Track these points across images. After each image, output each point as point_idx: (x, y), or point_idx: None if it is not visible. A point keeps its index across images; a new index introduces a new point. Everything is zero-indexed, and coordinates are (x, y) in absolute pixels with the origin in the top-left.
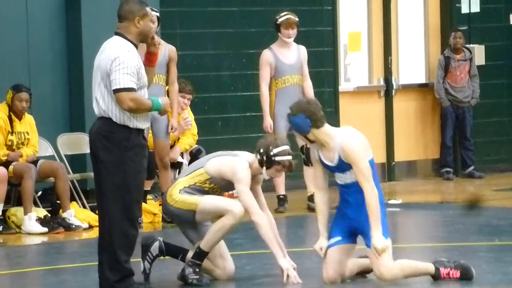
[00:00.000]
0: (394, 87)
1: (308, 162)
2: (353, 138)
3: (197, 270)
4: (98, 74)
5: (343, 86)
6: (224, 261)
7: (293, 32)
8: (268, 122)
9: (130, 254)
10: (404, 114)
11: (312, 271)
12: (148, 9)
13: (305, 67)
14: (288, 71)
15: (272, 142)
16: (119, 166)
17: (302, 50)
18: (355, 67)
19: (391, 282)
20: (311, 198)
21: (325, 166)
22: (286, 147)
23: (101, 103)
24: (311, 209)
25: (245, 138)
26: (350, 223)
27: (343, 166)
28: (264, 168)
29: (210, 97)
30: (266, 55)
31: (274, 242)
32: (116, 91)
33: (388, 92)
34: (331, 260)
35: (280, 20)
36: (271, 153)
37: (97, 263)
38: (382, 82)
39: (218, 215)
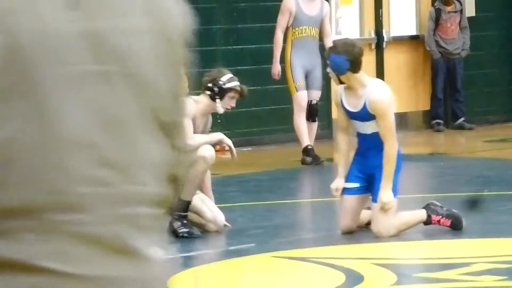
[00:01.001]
0: (385, 39)
1: (313, 117)
2: (384, 91)
3: (185, 222)
4: None
5: (334, 38)
6: (213, 213)
7: None
8: (276, 69)
9: None
10: (395, 67)
11: (303, 223)
12: None
13: (327, 24)
14: (307, 21)
15: (216, 73)
16: None
17: (326, 6)
18: (346, 20)
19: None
20: (305, 151)
21: (346, 111)
22: (231, 75)
23: None
24: (305, 163)
25: None
26: (366, 169)
27: (366, 115)
28: (218, 100)
29: (202, 51)
30: (289, 2)
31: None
32: None
33: (379, 45)
34: (348, 209)
35: None
36: (220, 82)
37: None
38: (373, 35)
39: None
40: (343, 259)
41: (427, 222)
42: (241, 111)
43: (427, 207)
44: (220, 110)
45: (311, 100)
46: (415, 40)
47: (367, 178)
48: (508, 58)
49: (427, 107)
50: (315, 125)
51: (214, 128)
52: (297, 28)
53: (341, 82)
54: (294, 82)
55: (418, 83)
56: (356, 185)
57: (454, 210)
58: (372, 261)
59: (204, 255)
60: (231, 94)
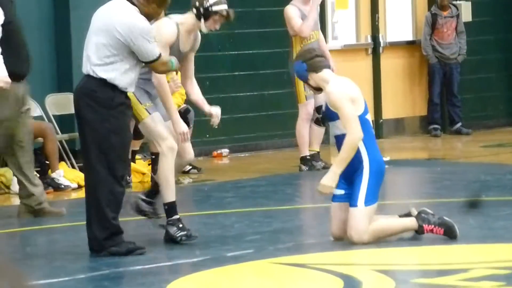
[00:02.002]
0: (382, 44)
1: (323, 122)
2: (341, 86)
3: (180, 225)
4: (100, 34)
5: (330, 44)
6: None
7: None
8: None
9: (117, 211)
10: (391, 72)
11: (301, 229)
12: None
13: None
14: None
15: None
16: (103, 123)
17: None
18: (343, 25)
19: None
20: (303, 159)
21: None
22: None
23: (96, 63)
24: (301, 171)
25: (233, 97)
26: (346, 174)
27: (331, 113)
28: (202, 20)
29: (199, 56)
30: (294, 10)
31: (170, 99)
32: (151, 62)
33: (375, 50)
34: (335, 217)
35: None
36: (207, 4)
37: (85, 222)
38: (369, 40)
39: (151, 139)
40: (342, 265)
41: (420, 231)
42: (237, 116)
43: (418, 215)
44: (204, 29)
45: (321, 105)
46: (411, 45)
47: (350, 184)
48: (505, 63)
49: (423, 112)
50: (323, 129)
51: (211, 133)
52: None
53: (315, 89)
54: (304, 90)
55: (415, 88)
56: (342, 192)
57: (446, 218)
58: (371, 267)
59: (203, 262)
60: (216, 17)
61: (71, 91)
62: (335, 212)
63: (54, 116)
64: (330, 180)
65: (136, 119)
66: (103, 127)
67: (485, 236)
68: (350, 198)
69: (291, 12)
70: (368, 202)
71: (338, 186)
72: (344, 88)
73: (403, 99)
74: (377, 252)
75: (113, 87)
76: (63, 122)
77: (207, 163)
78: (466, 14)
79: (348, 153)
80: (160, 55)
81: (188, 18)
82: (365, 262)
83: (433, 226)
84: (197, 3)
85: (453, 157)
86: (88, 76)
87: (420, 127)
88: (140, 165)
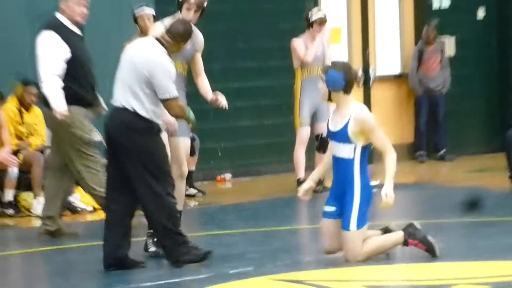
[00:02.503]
0: (372, 78)
1: (324, 149)
2: (366, 110)
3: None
4: (131, 70)
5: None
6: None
7: (323, 28)
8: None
9: (178, 222)
10: (381, 102)
11: (298, 248)
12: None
13: (327, 51)
14: (314, 61)
15: None
16: (144, 150)
17: (326, 41)
18: (336, 59)
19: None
20: (299, 183)
21: (327, 131)
22: None
23: (130, 97)
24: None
25: (235, 126)
26: (338, 194)
27: (343, 135)
28: (179, 12)
29: None
30: (300, 42)
31: None
32: (167, 99)
33: (366, 82)
34: (326, 232)
35: (314, 18)
36: None
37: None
38: (361, 73)
39: None
40: (336, 281)
41: (405, 243)
42: (239, 144)
43: (406, 229)
44: (187, 17)
45: (321, 133)
46: (399, 78)
47: (339, 203)
48: (486, 94)
49: (411, 139)
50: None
51: (214, 159)
52: (306, 68)
53: (329, 99)
54: (300, 117)
55: (403, 117)
56: (333, 209)
57: (429, 238)
58: (363, 283)
59: (207, 278)
60: (186, 5)
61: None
62: (327, 228)
63: None
64: (390, 189)
65: None
66: (145, 152)
67: (468, 254)
68: (342, 220)
69: (297, 43)
70: (360, 225)
71: (329, 203)
72: (371, 115)
73: (392, 127)
74: (368, 269)
75: (145, 118)
76: None
77: (211, 187)
78: (450, 49)
79: (395, 167)
80: (176, 97)
81: (176, 17)
82: (357, 278)
83: (417, 241)
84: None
85: (438, 181)
86: (123, 108)
87: (408, 153)
88: None
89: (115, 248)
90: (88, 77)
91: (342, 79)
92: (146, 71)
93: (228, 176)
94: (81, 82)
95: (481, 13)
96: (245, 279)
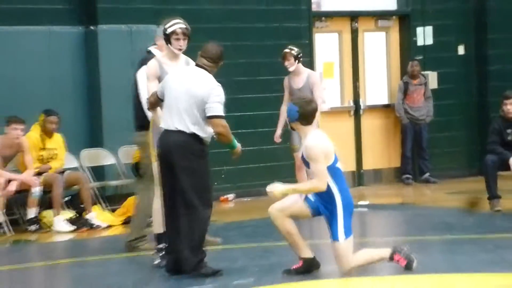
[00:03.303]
0: (362, 107)
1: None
2: (317, 140)
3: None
4: (186, 98)
5: (320, 107)
6: None
7: (289, 62)
8: (278, 133)
9: (204, 240)
10: (370, 130)
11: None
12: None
13: (315, 90)
14: (296, 93)
15: (166, 21)
16: (197, 169)
17: (311, 76)
18: (330, 91)
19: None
20: None
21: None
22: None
23: (188, 121)
24: None
25: None
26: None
27: (305, 160)
28: (169, 45)
29: None
30: (285, 81)
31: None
32: (213, 116)
33: (357, 112)
34: (293, 204)
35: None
36: (164, 28)
37: (170, 247)
38: (351, 104)
39: (151, 180)
40: None
41: (391, 258)
42: (241, 167)
43: (395, 247)
44: (175, 51)
45: None
46: (387, 108)
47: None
48: (466, 124)
49: (397, 164)
50: None
51: (219, 181)
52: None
53: (291, 128)
54: (292, 145)
55: (390, 144)
56: (313, 200)
57: (412, 254)
58: None
59: None
60: (174, 36)
61: (101, 146)
62: (299, 204)
63: (87, 167)
64: (283, 187)
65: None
66: (198, 173)
67: (449, 268)
68: (330, 232)
69: (284, 83)
70: (347, 235)
71: (313, 200)
72: (319, 144)
73: (380, 153)
74: (359, 280)
75: (201, 140)
76: (95, 172)
77: (215, 206)
78: (433, 82)
79: (306, 191)
80: (222, 116)
81: (163, 48)
82: None
83: (400, 256)
84: (161, 33)
85: (423, 202)
86: (180, 131)
87: (395, 176)
88: None
89: (176, 254)
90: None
91: (296, 112)
92: (203, 97)
93: (231, 196)
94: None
95: (461, 50)
96: None
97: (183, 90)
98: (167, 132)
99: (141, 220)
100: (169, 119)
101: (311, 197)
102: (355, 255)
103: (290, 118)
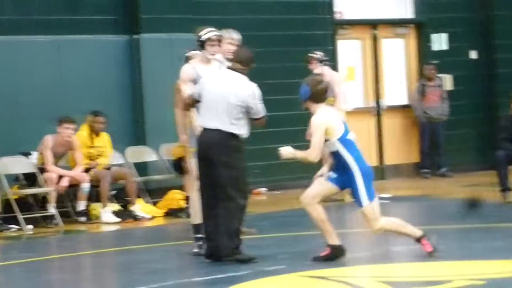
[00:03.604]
0: (383, 108)
1: None
2: (320, 116)
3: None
4: (224, 101)
5: (344, 107)
6: None
7: (313, 65)
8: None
9: (241, 229)
10: (391, 128)
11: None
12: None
13: (335, 88)
14: None
15: (199, 29)
16: (235, 165)
17: (333, 77)
18: (353, 93)
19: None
20: None
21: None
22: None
23: (226, 121)
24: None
25: (269, 149)
26: (344, 183)
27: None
28: (203, 51)
29: None
30: None
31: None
32: (261, 117)
33: (378, 112)
34: (319, 186)
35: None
36: (199, 36)
37: (209, 234)
38: (373, 104)
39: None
40: (355, 277)
41: (418, 240)
42: (272, 163)
43: (426, 233)
44: (208, 56)
45: None
46: (406, 108)
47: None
48: (478, 122)
49: (416, 159)
50: None
51: (252, 176)
52: None
53: (305, 108)
54: None
55: (409, 141)
56: (335, 176)
57: (437, 246)
58: (377, 279)
59: (246, 275)
60: (208, 42)
61: (145, 144)
62: (324, 185)
63: (132, 163)
64: (289, 151)
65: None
66: (235, 167)
67: (465, 254)
68: (355, 202)
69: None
70: (370, 198)
71: (335, 176)
72: (321, 118)
73: (400, 150)
74: (382, 267)
75: (238, 138)
76: (139, 168)
77: (249, 199)
78: (448, 84)
79: (300, 158)
80: (265, 115)
81: (193, 56)
82: (373, 275)
83: (428, 242)
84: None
85: (439, 194)
86: (218, 130)
87: (414, 171)
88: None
89: (214, 242)
90: None
91: (307, 91)
92: (241, 100)
93: (263, 190)
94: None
95: (473, 54)
96: (278, 275)
97: (221, 92)
98: (206, 130)
99: None
100: (208, 119)
101: (332, 175)
102: (388, 218)
103: (303, 97)
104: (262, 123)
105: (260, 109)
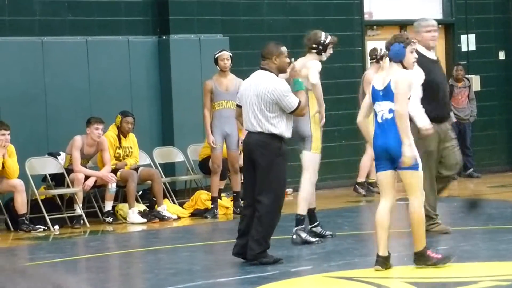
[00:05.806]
0: None
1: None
2: (406, 75)
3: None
4: (259, 100)
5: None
6: None
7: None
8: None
9: (272, 233)
10: None
11: (349, 250)
12: (282, 48)
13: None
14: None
15: (313, 36)
16: (273, 167)
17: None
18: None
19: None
20: (360, 184)
21: (372, 90)
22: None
23: (263, 121)
24: (357, 192)
25: (296, 150)
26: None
27: (388, 94)
28: (323, 53)
29: None
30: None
31: None
32: (294, 110)
33: None
34: (386, 184)
35: None
36: (321, 40)
37: (239, 235)
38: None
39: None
40: (380, 278)
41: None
42: (297, 164)
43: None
44: (324, 58)
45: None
46: None
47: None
48: (506, 123)
49: None
50: None
51: None
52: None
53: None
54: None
55: None
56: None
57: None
58: (402, 280)
59: (273, 275)
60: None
61: (172, 144)
62: (386, 178)
63: (159, 164)
64: (411, 151)
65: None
66: (274, 170)
67: (491, 256)
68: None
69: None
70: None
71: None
72: (408, 79)
73: None
74: (407, 268)
75: (279, 138)
76: (166, 168)
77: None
78: (476, 85)
79: (406, 127)
80: (299, 103)
81: (308, 58)
82: (398, 276)
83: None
84: (313, 45)
85: (467, 195)
86: (259, 132)
87: None
88: (224, 201)
89: (244, 241)
90: (441, 97)
91: (399, 44)
92: (272, 98)
93: (289, 190)
94: (436, 102)
95: (501, 55)
96: (304, 276)
97: (253, 94)
98: (249, 133)
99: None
100: (248, 122)
101: (382, 163)
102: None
103: (401, 55)
104: (300, 113)
105: (290, 102)
